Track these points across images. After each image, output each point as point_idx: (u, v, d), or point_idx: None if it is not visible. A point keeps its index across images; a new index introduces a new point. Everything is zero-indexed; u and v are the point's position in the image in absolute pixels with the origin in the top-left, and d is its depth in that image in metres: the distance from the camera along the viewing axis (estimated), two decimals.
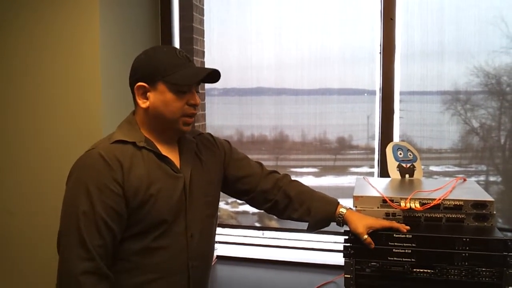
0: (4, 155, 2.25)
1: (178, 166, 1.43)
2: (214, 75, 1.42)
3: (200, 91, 2.58)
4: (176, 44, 2.54)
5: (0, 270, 2.31)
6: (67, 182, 1.33)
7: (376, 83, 2.28)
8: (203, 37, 2.61)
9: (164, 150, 1.41)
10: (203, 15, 2.60)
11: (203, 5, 2.60)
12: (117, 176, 1.29)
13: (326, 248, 2.30)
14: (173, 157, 1.43)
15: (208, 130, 2.61)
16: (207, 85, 2.61)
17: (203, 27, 2.61)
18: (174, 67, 1.35)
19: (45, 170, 2.19)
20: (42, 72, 2.17)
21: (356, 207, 1.56)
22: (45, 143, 2.19)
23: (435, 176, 2.34)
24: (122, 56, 2.19)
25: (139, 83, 1.36)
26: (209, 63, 2.60)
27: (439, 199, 1.49)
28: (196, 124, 2.52)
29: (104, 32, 2.10)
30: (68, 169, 1.35)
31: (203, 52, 2.61)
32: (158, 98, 1.36)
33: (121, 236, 1.32)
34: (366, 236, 1.42)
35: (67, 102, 2.14)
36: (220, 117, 2.63)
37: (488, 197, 1.51)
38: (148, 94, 1.36)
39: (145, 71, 1.36)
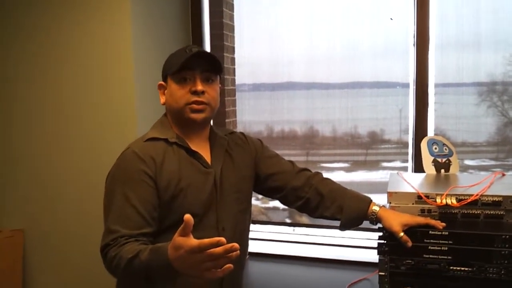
0: (42, 154, 2.32)
1: (209, 162, 1.46)
2: (209, 60, 1.43)
3: (231, 87, 2.58)
4: (207, 40, 2.54)
5: (39, 264, 2.38)
6: (105, 183, 1.40)
7: (410, 76, 2.23)
8: (233, 33, 2.61)
9: (194, 146, 1.45)
10: (233, 10, 2.60)
11: (233, 0, 2.60)
12: (150, 170, 1.35)
13: (359, 245, 2.27)
14: (204, 153, 1.47)
15: (239, 126, 2.61)
16: (238, 81, 2.61)
17: (233, 22, 2.61)
18: (177, 60, 1.41)
19: (81, 168, 2.25)
20: (76, 73, 2.22)
21: (390, 203, 1.53)
22: (81, 143, 2.24)
23: (470, 171, 2.27)
24: (154, 54, 2.22)
25: (159, 83, 1.48)
26: (239, 59, 2.60)
27: (477, 195, 1.44)
28: (226, 120, 2.53)
29: (135, 32, 2.13)
30: (105, 168, 1.42)
31: (233, 48, 2.61)
32: (168, 91, 1.45)
33: (155, 229, 1.35)
34: (402, 234, 1.38)
35: (102, 103, 2.19)
36: (251, 113, 2.63)
37: None
38: (165, 91, 1.46)
39: (162, 71, 1.49)
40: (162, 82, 1.48)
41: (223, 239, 1.03)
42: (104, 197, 1.38)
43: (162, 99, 1.48)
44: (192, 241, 1.05)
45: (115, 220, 1.31)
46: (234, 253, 1.04)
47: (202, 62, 1.41)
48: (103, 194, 1.40)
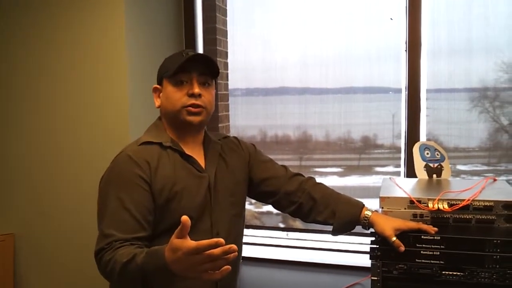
0: (36, 158, 2.30)
1: (203, 166, 1.46)
2: (206, 63, 1.43)
3: (224, 92, 2.58)
4: (200, 45, 2.54)
5: (30, 268, 2.36)
6: (99, 187, 1.39)
7: (402, 81, 2.24)
8: (226, 38, 2.61)
9: (189, 151, 1.45)
10: (226, 15, 2.61)
11: (226, 6, 2.60)
12: (145, 174, 1.35)
13: (352, 250, 2.27)
14: (198, 157, 1.47)
15: (232, 131, 2.61)
16: (231, 86, 2.61)
17: (226, 28, 2.61)
18: (174, 63, 1.41)
19: (73, 172, 2.24)
20: (69, 77, 2.21)
21: (382, 208, 1.53)
22: (74, 146, 2.23)
23: (463, 176, 2.29)
24: (147, 59, 2.22)
25: (154, 86, 1.48)
26: (232, 64, 2.61)
27: (469, 199, 1.45)
28: (220, 124, 2.53)
29: (129, 36, 2.12)
30: (98, 171, 1.42)
31: (226, 53, 2.61)
32: (163, 94, 1.44)
33: (151, 232, 1.35)
34: (394, 238, 1.39)
35: (95, 106, 2.18)
36: (244, 117, 2.63)
37: None
38: (160, 94, 1.46)
39: (157, 74, 1.48)
40: (157, 85, 1.48)
41: (221, 240, 1.03)
42: (98, 201, 1.37)
43: (157, 103, 1.47)
44: (190, 242, 1.05)
45: (109, 224, 1.30)
46: (232, 254, 1.04)
47: (199, 65, 1.42)
48: (96, 198, 1.39)
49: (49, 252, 2.32)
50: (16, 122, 2.32)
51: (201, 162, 1.47)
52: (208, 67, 1.44)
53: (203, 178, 1.44)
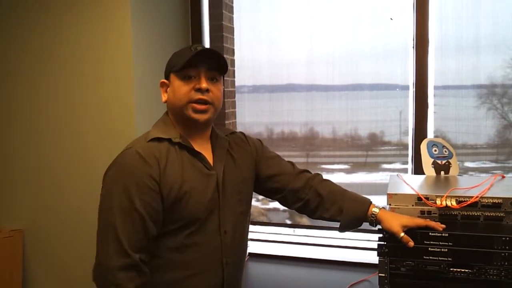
0: (41, 153, 2.31)
1: (211, 163, 1.44)
2: (215, 58, 1.42)
3: (230, 89, 2.58)
4: (206, 42, 2.54)
5: (39, 263, 2.38)
6: (103, 180, 1.36)
7: (410, 78, 2.24)
8: (233, 35, 2.61)
9: (197, 147, 1.43)
10: (232, 13, 2.61)
11: (232, 3, 2.60)
12: (154, 173, 1.32)
13: (359, 246, 2.27)
14: (206, 154, 1.45)
15: (239, 127, 2.61)
16: (237, 83, 2.62)
17: (233, 25, 2.61)
18: (182, 58, 1.39)
19: (80, 167, 2.25)
20: (75, 74, 2.22)
21: (390, 205, 1.53)
22: (80, 142, 2.24)
23: (470, 173, 2.28)
24: (154, 56, 2.22)
25: (162, 80, 1.46)
26: (239, 61, 2.61)
27: (477, 196, 1.45)
28: (226, 121, 2.53)
29: (136, 33, 2.13)
30: (104, 167, 1.39)
31: (233, 50, 2.61)
32: (171, 89, 1.43)
33: (157, 233, 1.34)
34: (403, 234, 1.38)
35: (101, 102, 2.18)
36: (251, 114, 2.63)
37: None
38: (168, 89, 1.44)
39: (165, 69, 1.46)
40: (165, 80, 1.45)
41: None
42: (105, 197, 1.34)
43: (164, 97, 1.45)
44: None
45: (120, 226, 1.28)
46: None
47: (207, 60, 1.40)
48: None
49: (57, 248, 2.33)
50: (22, 120, 2.33)
51: (209, 158, 1.45)
52: (216, 62, 1.42)
53: (212, 176, 1.42)
